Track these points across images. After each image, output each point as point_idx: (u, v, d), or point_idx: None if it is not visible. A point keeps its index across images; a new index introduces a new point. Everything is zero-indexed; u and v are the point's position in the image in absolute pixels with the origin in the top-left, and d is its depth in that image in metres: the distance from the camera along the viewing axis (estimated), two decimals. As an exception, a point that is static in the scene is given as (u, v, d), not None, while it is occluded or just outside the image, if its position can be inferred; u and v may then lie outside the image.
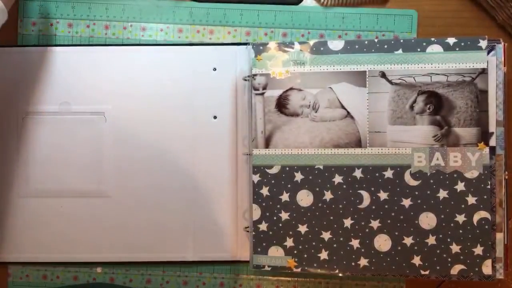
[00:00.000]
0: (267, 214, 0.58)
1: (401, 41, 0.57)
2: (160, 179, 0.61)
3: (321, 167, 0.58)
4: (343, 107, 0.58)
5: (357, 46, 0.58)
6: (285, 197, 0.58)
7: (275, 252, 0.58)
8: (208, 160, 0.61)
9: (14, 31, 0.63)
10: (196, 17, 0.63)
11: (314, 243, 0.57)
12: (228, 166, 0.61)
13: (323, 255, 0.57)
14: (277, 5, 0.62)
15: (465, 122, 0.56)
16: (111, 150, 0.61)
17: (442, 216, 0.56)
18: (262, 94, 0.58)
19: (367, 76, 0.57)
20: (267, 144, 0.58)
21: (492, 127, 0.56)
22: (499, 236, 0.56)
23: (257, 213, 0.58)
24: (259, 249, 0.58)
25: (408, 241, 0.57)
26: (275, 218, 0.58)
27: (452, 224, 0.56)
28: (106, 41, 0.63)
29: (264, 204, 0.58)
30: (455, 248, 0.56)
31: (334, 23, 0.62)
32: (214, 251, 0.61)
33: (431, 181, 0.56)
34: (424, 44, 0.57)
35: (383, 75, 0.57)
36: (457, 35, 0.58)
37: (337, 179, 0.57)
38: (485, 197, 0.56)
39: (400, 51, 0.57)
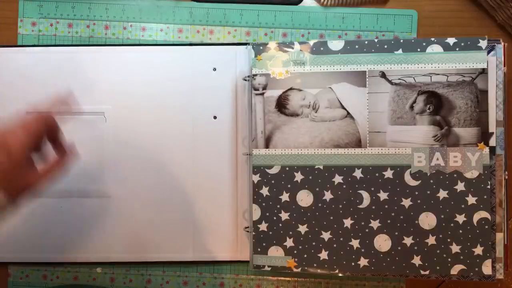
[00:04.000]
0: (267, 214, 0.58)
1: (401, 41, 0.57)
2: (160, 179, 0.61)
3: (321, 167, 0.58)
4: (343, 107, 0.58)
5: (357, 46, 0.58)
6: (285, 197, 0.58)
7: (275, 252, 0.58)
8: (208, 160, 0.61)
9: (14, 31, 0.63)
10: (196, 17, 0.63)
11: (314, 243, 0.57)
12: (228, 166, 0.61)
13: (323, 255, 0.57)
14: (277, 5, 0.62)
15: (465, 122, 0.56)
16: (111, 150, 0.61)
17: (442, 216, 0.56)
18: (262, 94, 0.58)
19: (367, 76, 0.57)
20: (267, 144, 0.58)
21: (492, 127, 0.56)
22: (499, 236, 0.56)
23: (257, 213, 0.58)
24: (259, 249, 0.58)
25: (408, 241, 0.57)
26: (275, 218, 0.58)
27: (452, 224, 0.56)
28: (106, 41, 0.63)
29: (264, 204, 0.58)
30: (455, 248, 0.56)
31: (334, 23, 0.62)
32: (214, 251, 0.61)
33: (431, 181, 0.56)
34: (424, 44, 0.57)
35: (383, 75, 0.57)
36: (457, 35, 0.58)
37: (337, 179, 0.57)
38: (485, 197, 0.56)
39: (400, 51, 0.57)
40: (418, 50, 0.57)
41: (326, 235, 0.57)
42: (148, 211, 0.61)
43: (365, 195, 0.57)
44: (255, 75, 0.58)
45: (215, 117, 0.61)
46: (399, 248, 0.57)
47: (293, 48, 0.58)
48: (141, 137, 0.61)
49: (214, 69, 0.61)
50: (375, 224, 0.57)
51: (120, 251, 0.61)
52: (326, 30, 0.62)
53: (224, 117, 0.61)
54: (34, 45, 0.62)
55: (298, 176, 0.58)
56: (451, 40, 0.57)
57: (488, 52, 0.56)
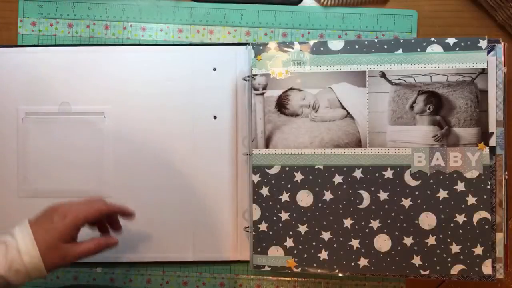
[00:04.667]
0: (267, 214, 0.58)
1: (401, 41, 0.57)
2: (160, 179, 0.61)
3: (321, 167, 0.58)
4: (343, 107, 0.58)
5: (357, 46, 0.58)
6: (285, 197, 0.58)
7: (275, 252, 0.58)
8: (208, 160, 0.61)
9: (14, 31, 0.63)
10: (196, 17, 0.63)
11: (314, 243, 0.57)
12: (228, 166, 0.61)
13: (323, 255, 0.57)
14: (277, 5, 0.62)
15: (465, 122, 0.56)
16: (111, 150, 0.61)
17: (442, 216, 0.56)
18: (262, 94, 0.58)
19: (367, 76, 0.57)
20: (267, 144, 0.58)
21: (492, 127, 0.56)
22: (499, 236, 0.56)
23: (257, 213, 0.58)
24: (259, 249, 0.58)
25: (408, 241, 0.57)
26: (275, 218, 0.58)
27: (452, 224, 0.56)
28: (106, 41, 0.63)
29: (264, 204, 0.58)
30: (455, 248, 0.56)
31: (334, 23, 0.62)
32: (214, 251, 0.61)
33: (431, 181, 0.56)
34: (424, 44, 0.57)
35: (383, 75, 0.57)
36: (457, 35, 0.58)
37: (337, 179, 0.57)
38: (485, 197, 0.56)
39: (400, 51, 0.57)
40: (418, 50, 0.57)
41: (326, 235, 0.57)
42: (148, 211, 0.60)
43: (365, 195, 0.57)
44: (255, 75, 0.58)
45: (215, 117, 0.61)
46: (399, 248, 0.57)
47: (293, 48, 0.58)
48: (141, 137, 0.61)
49: (214, 69, 0.61)
50: (375, 224, 0.57)
51: (120, 251, 0.61)
52: (326, 30, 0.62)
53: (224, 117, 0.61)
54: (34, 45, 0.62)
55: (298, 176, 0.58)
56: (451, 40, 0.57)
57: (488, 52, 0.56)
